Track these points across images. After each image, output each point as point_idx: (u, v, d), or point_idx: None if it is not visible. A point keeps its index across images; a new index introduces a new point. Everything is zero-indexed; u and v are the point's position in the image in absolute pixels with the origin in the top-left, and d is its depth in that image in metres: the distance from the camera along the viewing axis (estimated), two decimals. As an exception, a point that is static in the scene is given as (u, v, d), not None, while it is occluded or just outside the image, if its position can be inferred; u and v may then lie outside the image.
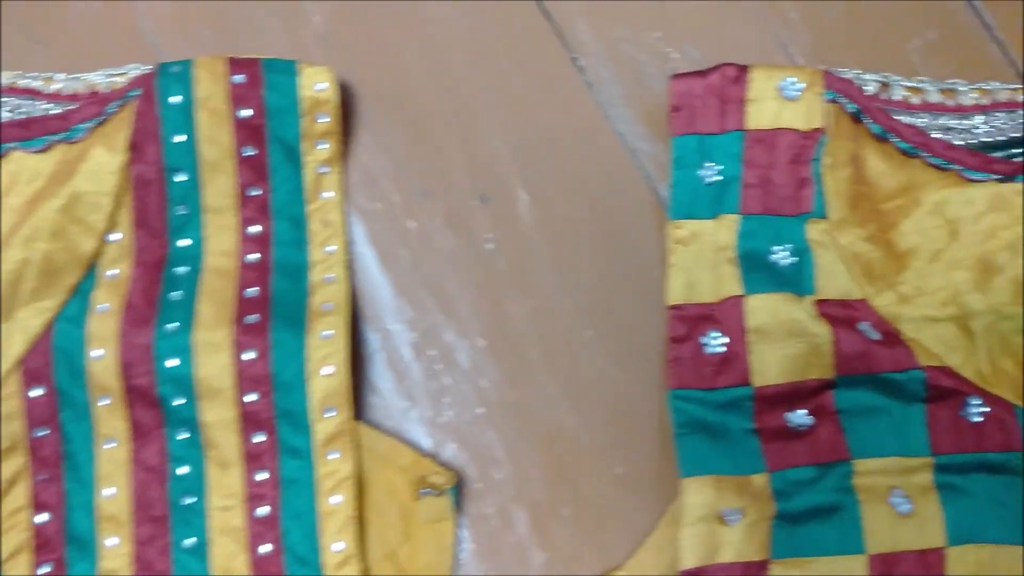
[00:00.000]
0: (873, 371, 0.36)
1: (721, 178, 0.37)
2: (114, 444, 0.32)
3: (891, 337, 0.36)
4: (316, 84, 0.35)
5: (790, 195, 0.37)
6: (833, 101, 0.36)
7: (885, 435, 0.35)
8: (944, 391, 0.36)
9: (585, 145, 0.38)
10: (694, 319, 0.36)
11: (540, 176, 0.38)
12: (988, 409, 0.35)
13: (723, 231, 0.37)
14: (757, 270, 0.36)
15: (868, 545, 0.34)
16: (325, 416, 0.32)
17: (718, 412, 0.35)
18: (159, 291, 0.33)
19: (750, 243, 0.37)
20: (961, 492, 0.35)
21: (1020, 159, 0.37)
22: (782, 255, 0.37)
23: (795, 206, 0.37)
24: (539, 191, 0.37)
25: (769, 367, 0.35)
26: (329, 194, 0.35)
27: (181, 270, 0.34)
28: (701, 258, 0.36)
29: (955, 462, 0.35)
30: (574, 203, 0.37)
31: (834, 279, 0.37)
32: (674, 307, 0.36)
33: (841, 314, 0.36)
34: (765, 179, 0.37)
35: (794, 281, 0.36)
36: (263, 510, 0.32)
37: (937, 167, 0.37)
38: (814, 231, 0.37)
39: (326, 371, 0.33)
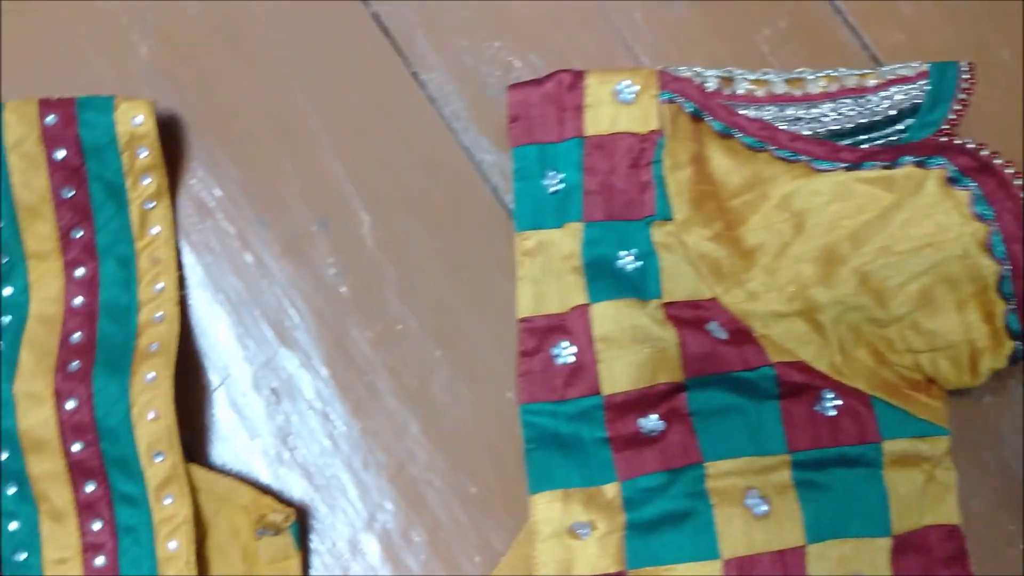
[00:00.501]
0: (723, 371, 0.35)
1: (564, 186, 0.36)
2: (-62, 506, 0.32)
3: (740, 335, 0.35)
4: (133, 118, 0.34)
5: (632, 199, 0.36)
6: (670, 101, 0.36)
7: (739, 435, 0.35)
8: (797, 387, 0.35)
9: (429, 161, 0.37)
10: (543, 331, 0.35)
11: (382, 196, 0.37)
12: (841, 402, 0.35)
13: (568, 240, 0.36)
14: (603, 277, 0.36)
15: (723, 550, 0.34)
16: (155, 461, 0.32)
17: (570, 423, 0.35)
18: (-20, 343, 0.33)
19: (595, 250, 0.36)
20: (820, 488, 0.35)
21: (867, 145, 0.36)
22: (627, 260, 0.36)
23: (638, 210, 0.36)
24: (382, 211, 0.37)
25: (617, 374, 0.35)
26: (156, 229, 0.35)
27: (5, 320, 0.33)
28: (548, 269, 0.36)
29: (812, 458, 0.35)
30: (419, 221, 0.37)
31: (680, 281, 0.36)
32: (524, 320, 0.35)
33: (689, 315, 0.36)
34: (606, 185, 0.36)
35: (640, 286, 0.36)
36: (100, 560, 0.32)
37: (784, 159, 0.36)
38: (659, 234, 0.36)
39: (151, 416, 0.32)
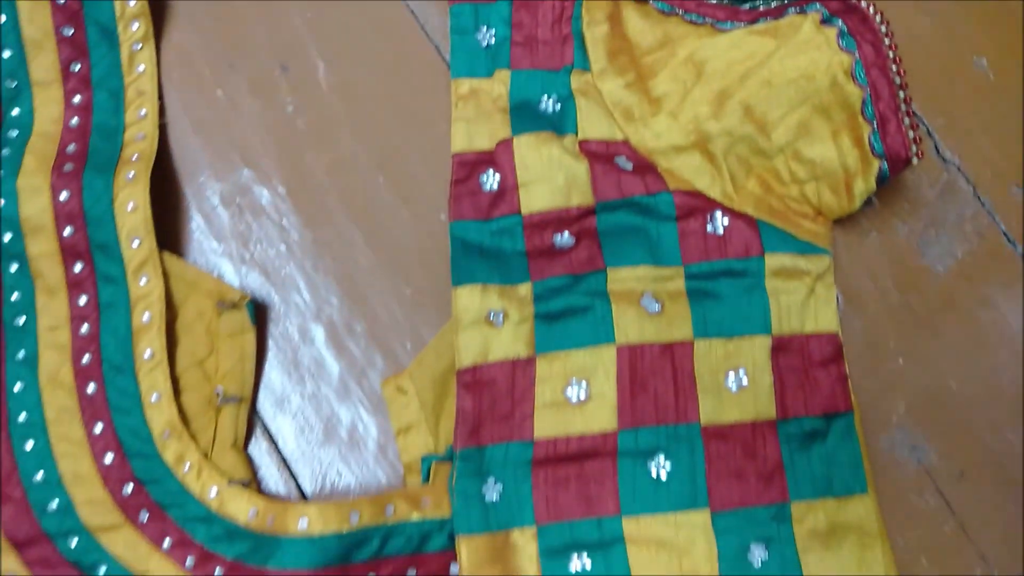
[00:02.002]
0: (626, 195, 0.40)
1: (494, 40, 0.42)
2: (-46, 276, 0.38)
3: (643, 167, 0.40)
4: None
5: (554, 51, 0.42)
6: None
7: (640, 250, 0.40)
8: (692, 209, 0.40)
9: (377, 18, 0.43)
10: (473, 163, 0.41)
11: (336, 46, 0.43)
12: (729, 222, 0.40)
13: (497, 85, 0.41)
14: (526, 117, 0.41)
15: (618, 337, 0.38)
16: (133, 245, 0.38)
17: (493, 238, 0.40)
18: (-8, 150, 0.39)
19: (520, 94, 0.41)
20: (708, 295, 0.40)
21: (763, 6, 0.41)
22: (548, 103, 0.41)
23: (559, 60, 0.42)
24: (335, 59, 0.43)
25: (536, 198, 0.40)
26: (142, 67, 0.41)
27: (12, 133, 0.39)
28: (480, 110, 0.41)
29: (703, 270, 0.40)
30: (368, 69, 0.43)
31: (595, 122, 0.41)
32: (457, 154, 0.41)
33: (600, 150, 0.41)
34: (531, 38, 0.42)
35: (558, 124, 0.41)
36: (85, 328, 0.37)
37: (692, 22, 0.41)
38: (577, 81, 0.42)
39: (130, 206, 0.38)
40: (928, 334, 0.41)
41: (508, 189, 0.40)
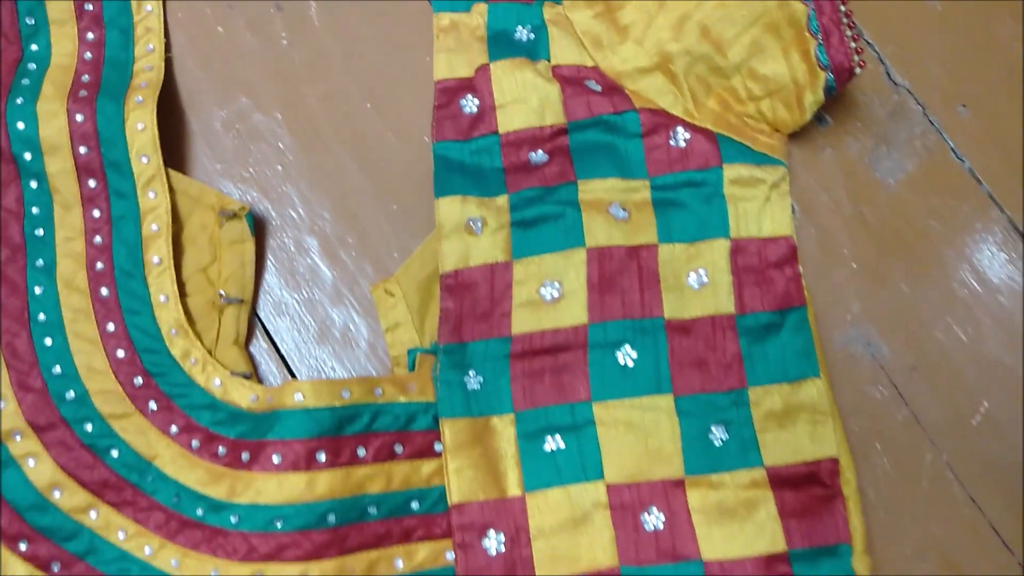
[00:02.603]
0: (595, 115, 0.43)
1: None
2: (-21, 193, 0.41)
3: (611, 88, 0.44)
4: None
5: None
6: None
7: (608, 164, 0.43)
8: (656, 126, 0.43)
9: (367, -34, 0.47)
10: (454, 89, 0.44)
11: (327, -11, 0.46)
12: (691, 136, 0.43)
13: (476, 17, 0.45)
14: (502, 45, 0.45)
15: (587, 241, 0.41)
16: (142, 162, 0.41)
17: (472, 156, 0.43)
18: (13, 79, 0.42)
19: (497, 25, 0.45)
20: (671, 204, 0.43)
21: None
22: (523, 33, 0.45)
23: None
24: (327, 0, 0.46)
25: (512, 118, 0.43)
26: (149, 7, 0.44)
27: (31, 66, 0.43)
28: (460, 42, 0.45)
29: (667, 182, 0.43)
30: (356, 6, 0.46)
31: (566, 50, 0.45)
32: (439, 82, 0.44)
33: (571, 75, 0.44)
34: None
35: (532, 52, 0.45)
36: (98, 239, 0.41)
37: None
38: (549, 12, 0.45)
39: (139, 127, 0.41)
40: (879, 241, 0.44)
41: (486, 111, 0.44)
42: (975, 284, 0.44)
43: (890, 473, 0.42)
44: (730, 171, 0.43)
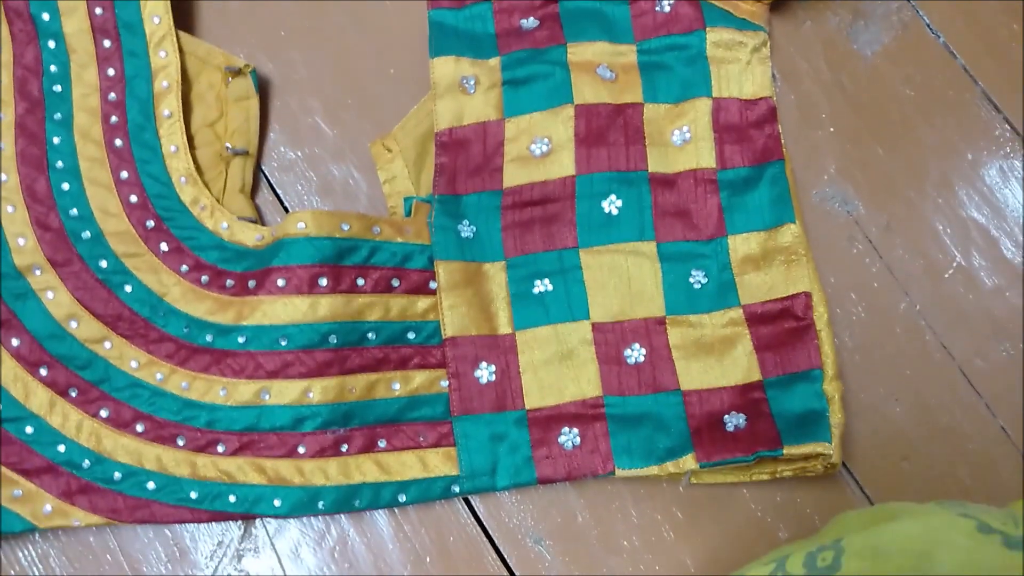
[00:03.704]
0: None
1: None
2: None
3: None
4: None
5: None
6: None
7: (596, 29, 0.45)
8: None
9: None
10: None
11: None
12: (675, 2, 0.45)
13: None
14: None
15: (575, 97, 0.43)
16: (154, 22, 0.44)
17: (466, 22, 0.45)
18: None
19: None
20: (657, 67, 0.45)
21: None
22: None
23: None
24: None
25: None
26: None
27: None
28: None
29: (652, 46, 0.45)
30: None
31: None
32: None
33: None
34: None
35: None
36: (112, 96, 0.43)
37: None
38: None
39: (151, -11, 0.44)
40: (856, 107, 0.46)
41: None
42: (947, 149, 0.46)
43: (865, 320, 0.44)
44: (712, 34, 0.45)
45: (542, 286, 0.42)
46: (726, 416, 0.40)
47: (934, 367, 0.44)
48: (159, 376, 0.41)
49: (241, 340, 0.40)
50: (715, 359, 0.41)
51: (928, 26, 0.48)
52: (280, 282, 0.39)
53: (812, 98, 0.46)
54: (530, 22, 0.45)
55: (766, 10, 0.46)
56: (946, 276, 0.45)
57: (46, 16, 0.43)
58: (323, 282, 0.40)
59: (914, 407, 0.43)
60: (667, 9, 0.45)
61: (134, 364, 0.41)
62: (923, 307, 0.44)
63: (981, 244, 0.45)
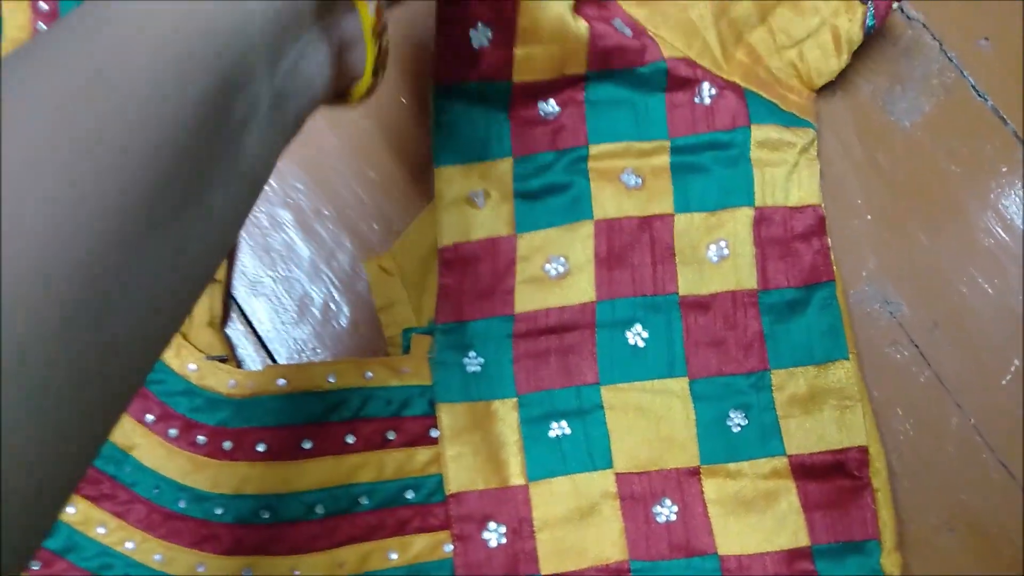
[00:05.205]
0: (624, 64, 0.38)
1: None
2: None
3: (639, 32, 0.39)
4: None
5: None
6: None
7: (625, 123, 0.39)
8: (681, 80, 0.39)
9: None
10: (461, 18, 0.36)
11: None
12: (717, 92, 0.39)
13: None
14: None
15: (595, 212, 0.38)
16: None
17: (476, 102, 0.38)
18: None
19: None
20: (693, 169, 0.39)
21: None
22: None
23: None
24: None
25: (531, 63, 0.37)
26: None
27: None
28: None
29: (689, 143, 0.39)
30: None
31: None
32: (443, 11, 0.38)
33: (596, 13, 0.39)
34: None
35: None
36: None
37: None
38: None
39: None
40: (895, 189, 0.41)
41: (501, 46, 0.36)
42: (1001, 232, 0.41)
43: (913, 439, 0.39)
44: (758, 132, 0.39)
45: (559, 429, 0.37)
46: None
47: (993, 489, 0.39)
48: (130, 544, 0.36)
49: (219, 512, 0.35)
50: (757, 517, 0.36)
51: (973, 87, 0.42)
52: (260, 447, 0.35)
53: (845, 182, 0.41)
54: (551, 106, 0.39)
55: (814, 101, 0.40)
56: (1003, 383, 0.40)
57: None
58: (307, 445, 0.35)
59: (973, 536, 0.39)
60: (707, 101, 0.39)
61: (102, 530, 0.36)
62: (978, 420, 0.40)
63: (1041, 343, 0.40)
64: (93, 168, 0.18)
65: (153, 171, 0.19)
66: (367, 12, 0.27)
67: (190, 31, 0.20)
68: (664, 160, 0.39)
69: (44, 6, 0.41)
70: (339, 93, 0.29)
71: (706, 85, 0.39)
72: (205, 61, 0.20)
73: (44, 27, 0.40)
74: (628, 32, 0.39)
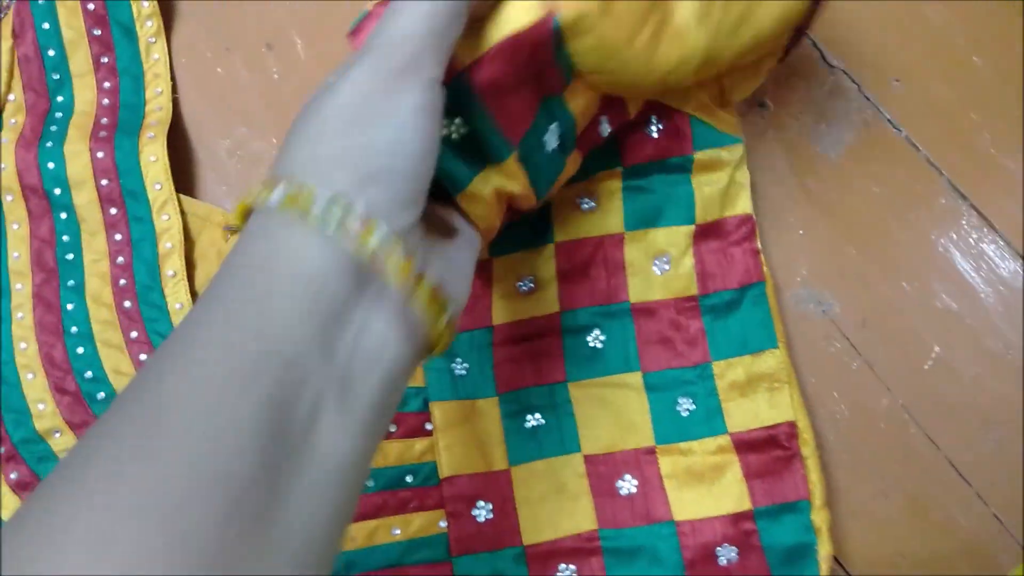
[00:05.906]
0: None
1: None
2: (17, 226, 0.47)
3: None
4: None
5: None
6: None
7: (588, 159, 0.46)
8: (631, 120, 0.44)
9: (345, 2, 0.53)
10: None
11: (312, 26, 0.52)
12: (663, 125, 0.44)
13: None
14: None
15: (556, 236, 0.45)
16: (155, 189, 0.47)
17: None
18: (43, 128, 0.48)
19: None
20: (640, 190, 0.45)
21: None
22: None
23: None
24: (311, 37, 0.52)
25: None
26: (156, 56, 0.51)
27: (58, 115, 0.49)
28: None
29: (637, 169, 0.45)
30: (339, 42, 0.52)
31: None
32: None
33: None
34: None
35: None
36: (120, 259, 0.46)
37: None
38: None
39: (152, 159, 0.47)
40: (824, 208, 0.48)
41: None
42: (918, 241, 0.47)
43: (849, 419, 0.45)
44: (700, 157, 0.44)
45: (534, 420, 0.44)
46: (719, 548, 0.41)
47: (922, 460, 0.45)
48: None
49: None
50: (706, 487, 0.42)
51: (890, 121, 0.49)
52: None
53: (778, 203, 0.48)
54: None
55: (735, 114, 0.47)
56: (926, 367, 0.46)
57: (58, 191, 0.47)
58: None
59: (905, 502, 0.44)
60: (655, 133, 0.44)
61: None
62: (906, 401, 0.45)
63: (958, 334, 0.46)
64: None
65: (214, 517, 0.21)
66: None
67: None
68: (617, 184, 0.45)
69: (92, 6, 0.49)
70: (428, 348, 0.30)
71: (654, 119, 0.44)
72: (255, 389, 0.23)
73: (107, 101, 0.49)
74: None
